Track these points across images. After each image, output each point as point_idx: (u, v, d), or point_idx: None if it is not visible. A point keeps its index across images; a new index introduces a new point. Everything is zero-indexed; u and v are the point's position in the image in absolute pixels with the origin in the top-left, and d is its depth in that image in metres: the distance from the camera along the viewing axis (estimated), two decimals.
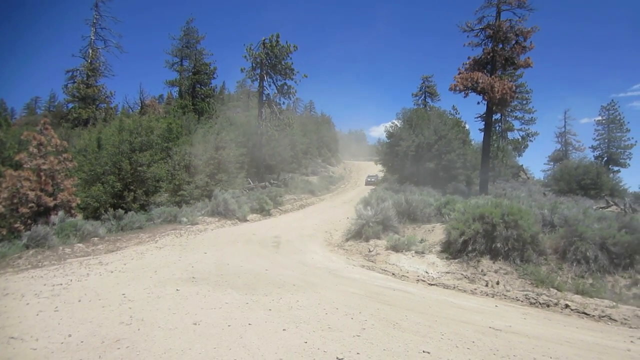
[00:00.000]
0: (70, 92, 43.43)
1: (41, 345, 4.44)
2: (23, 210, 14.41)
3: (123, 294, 6.67)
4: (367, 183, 41.43)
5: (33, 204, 14.56)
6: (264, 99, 31.24)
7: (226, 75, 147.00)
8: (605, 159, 51.45)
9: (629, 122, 51.56)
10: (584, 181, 32.17)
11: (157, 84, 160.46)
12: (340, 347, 4.65)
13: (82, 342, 4.56)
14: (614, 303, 8.29)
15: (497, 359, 4.70)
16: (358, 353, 4.49)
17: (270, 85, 31.20)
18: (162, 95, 63.20)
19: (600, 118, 53.41)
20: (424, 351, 4.71)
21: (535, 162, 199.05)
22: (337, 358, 4.31)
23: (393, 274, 10.74)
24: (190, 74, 42.06)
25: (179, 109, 36.92)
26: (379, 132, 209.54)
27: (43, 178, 15.05)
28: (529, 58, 25.21)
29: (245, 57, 29.87)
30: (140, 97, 48.05)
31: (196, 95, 41.44)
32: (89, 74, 43.77)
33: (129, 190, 20.33)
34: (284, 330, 5.19)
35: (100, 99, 44.97)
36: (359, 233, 14.31)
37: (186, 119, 33.61)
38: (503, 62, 25.47)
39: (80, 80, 43.50)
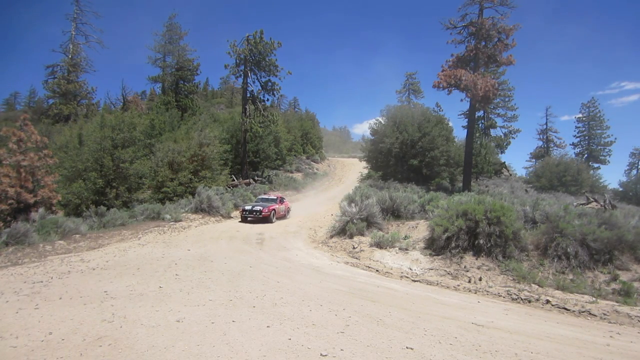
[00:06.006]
0: (50, 88, 42.67)
1: (21, 343, 4.36)
2: (2, 207, 14.18)
3: (105, 292, 6.60)
4: (246, 217, 19.35)
5: (13, 201, 14.31)
6: (248, 95, 31.06)
7: (210, 71, 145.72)
8: (586, 155, 52.52)
9: (608, 120, 52.74)
10: (565, 178, 32.82)
11: (140, 80, 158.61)
12: (325, 344, 4.67)
13: (63, 339, 4.50)
14: (594, 298, 8.50)
15: (480, 355, 4.77)
16: (342, 349, 4.52)
17: (254, 82, 31.03)
18: (144, 91, 62.66)
19: (580, 115, 54.57)
20: (407, 347, 4.77)
21: (518, 159, 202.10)
22: (321, 355, 4.33)
23: (377, 270, 10.80)
24: (174, 70, 41.57)
25: (162, 105, 36.50)
26: (362, 129, 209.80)
27: (23, 174, 14.80)
28: (511, 55, 25.61)
29: (229, 53, 29.65)
30: (122, 93, 47.50)
31: (179, 91, 41.03)
32: (70, 69, 43.05)
33: (111, 186, 20.08)
34: (267, 327, 5.19)
35: (82, 95, 44.28)
36: (343, 230, 14.34)
37: (169, 115, 33.29)
38: (486, 59, 25.81)
39: (61, 76, 42.77)
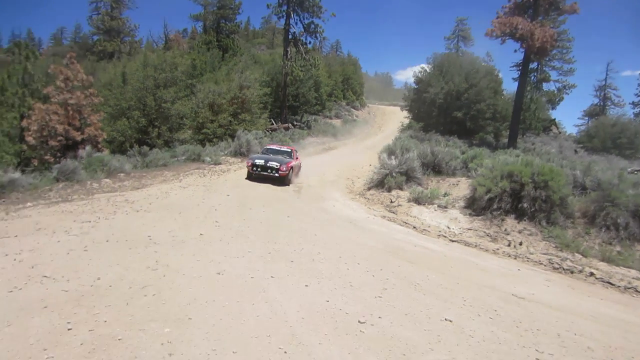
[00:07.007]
0: (95, 24, 43.33)
1: (72, 287, 4.56)
2: (52, 143, 14.81)
3: (149, 236, 6.79)
4: (256, 173, 14.49)
5: (62, 138, 14.91)
6: (290, 37, 30.33)
7: (251, 9, 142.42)
8: None
9: None
10: (619, 140, 30.85)
11: (182, 17, 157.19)
12: (362, 309, 4.67)
13: (110, 286, 4.67)
14: None
15: (520, 333, 4.66)
16: (380, 317, 4.50)
17: (296, 24, 30.19)
18: (186, 29, 62.02)
19: None
20: (446, 319, 4.71)
21: (569, 115, 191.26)
22: (359, 322, 4.32)
23: (414, 227, 10.72)
24: (215, 8, 40.78)
25: (203, 45, 36.20)
26: (406, 75, 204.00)
27: (70, 112, 15.27)
28: (575, 3, 23.45)
29: None
30: (164, 32, 47.29)
31: (221, 31, 40.34)
32: (113, 5, 43.27)
33: (154, 126, 20.54)
34: (306, 286, 5.24)
35: (125, 32, 44.72)
36: (381, 182, 14.19)
37: (210, 55, 33.07)
38: (547, 6, 23.87)
39: (105, 12, 43.12)
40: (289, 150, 16.81)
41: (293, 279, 5.46)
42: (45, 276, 4.83)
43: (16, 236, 6.35)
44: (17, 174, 10.87)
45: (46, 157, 14.90)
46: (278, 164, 14.32)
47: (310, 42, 31.59)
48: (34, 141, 14.71)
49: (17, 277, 4.73)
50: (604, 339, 4.85)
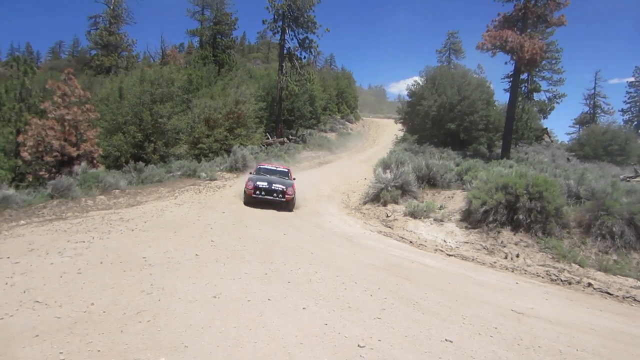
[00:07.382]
0: (93, 39, 43.75)
1: (65, 314, 4.44)
2: (48, 158, 14.79)
3: (144, 258, 6.69)
4: (258, 197, 13.02)
5: (57, 153, 14.89)
6: (285, 52, 30.60)
7: (247, 25, 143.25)
8: (636, 123, 49.53)
9: None
10: (610, 147, 31.28)
11: (179, 31, 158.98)
12: (361, 332, 4.59)
13: (104, 312, 4.56)
14: (639, 282, 8.17)
15: (522, 351, 4.59)
16: (379, 340, 4.42)
17: (292, 39, 30.57)
18: (182, 43, 63.01)
19: (633, 79, 50.98)
20: (446, 339, 4.63)
21: (560, 124, 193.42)
22: (358, 345, 4.23)
23: (411, 241, 10.70)
24: (212, 24, 41.13)
25: (200, 60, 36.51)
26: (399, 88, 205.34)
27: (67, 128, 15.28)
28: (563, 16, 23.94)
29: (268, 8, 29.18)
30: (161, 47, 47.67)
31: (217, 46, 40.65)
32: (112, 20, 43.73)
33: (150, 141, 20.49)
34: (303, 308, 5.14)
35: (122, 47, 45.05)
36: (377, 197, 14.20)
37: (207, 70, 33.28)
38: (535, 19, 24.31)
39: (103, 27, 43.57)
40: (286, 170, 15.55)
41: (290, 301, 5.38)
42: (37, 301, 4.72)
43: (8, 257, 6.22)
44: (11, 191, 10.81)
45: (41, 173, 14.84)
46: (284, 187, 13.14)
47: (304, 57, 31.96)
48: (29, 156, 14.64)
49: (9, 303, 4.61)
50: (607, 353, 4.81)
